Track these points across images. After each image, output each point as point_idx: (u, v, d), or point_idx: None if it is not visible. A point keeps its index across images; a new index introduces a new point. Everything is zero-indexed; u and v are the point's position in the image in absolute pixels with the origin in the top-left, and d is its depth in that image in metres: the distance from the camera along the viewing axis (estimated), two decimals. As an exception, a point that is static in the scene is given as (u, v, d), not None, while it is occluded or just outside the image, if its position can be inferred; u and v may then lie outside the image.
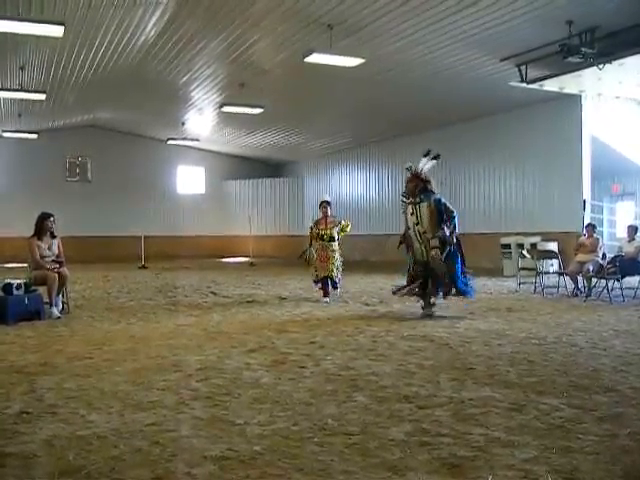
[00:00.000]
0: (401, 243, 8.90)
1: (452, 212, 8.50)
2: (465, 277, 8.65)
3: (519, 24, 10.85)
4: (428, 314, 8.61)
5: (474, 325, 7.83)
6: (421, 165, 8.67)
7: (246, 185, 28.87)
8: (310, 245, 10.82)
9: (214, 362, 5.82)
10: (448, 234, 8.37)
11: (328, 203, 10.90)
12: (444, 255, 8.38)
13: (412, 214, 8.57)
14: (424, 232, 8.46)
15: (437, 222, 8.39)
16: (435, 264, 8.40)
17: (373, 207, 23.53)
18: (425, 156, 8.73)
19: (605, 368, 5.45)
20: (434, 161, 8.69)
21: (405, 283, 8.89)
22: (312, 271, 10.83)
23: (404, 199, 8.82)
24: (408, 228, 8.70)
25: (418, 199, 8.53)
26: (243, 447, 3.54)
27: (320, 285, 10.70)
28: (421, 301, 8.84)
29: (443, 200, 8.60)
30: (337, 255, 10.65)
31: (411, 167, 8.70)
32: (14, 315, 8.31)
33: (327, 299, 10.45)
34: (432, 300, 8.74)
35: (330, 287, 10.64)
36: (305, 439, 3.68)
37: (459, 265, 8.52)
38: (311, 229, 10.89)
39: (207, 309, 9.80)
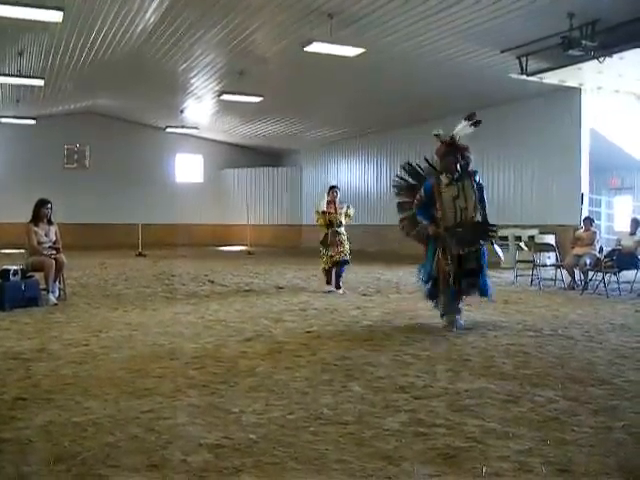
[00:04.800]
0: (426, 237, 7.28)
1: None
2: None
3: (520, 16, 10.80)
4: (451, 322, 7.05)
5: (470, 317, 7.82)
6: (457, 130, 7.05)
7: (244, 174, 28.81)
8: (329, 229, 10.47)
9: (210, 350, 5.83)
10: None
11: (338, 189, 10.88)
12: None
13: (453, 193, 6.95)
14: (465, 208, 6.93)
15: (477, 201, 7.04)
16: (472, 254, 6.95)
17: (372, 197, 23.51)
18: (466, 119, 7.06)
19: (600, 361, 5.46)
20: (472, 128, 7.06)
21: (442, 294, 7.16)
22: (325, 259, 10.56)
23: (438, 180, 7.06)
24: (444, 212, 6.98)
25: (457, 175, 6.96)
26: (239, 435, 3.55)
27: (328, 275, 10.64)
28: (442, 306, 7.21)
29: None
30: (346, 239, 10.57)
31: (441, 134, 7.08)
32: (10, 301, 8.31)
33: (332, 287, 10.47)
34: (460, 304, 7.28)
35: (337, 276, 10.57)
36: (300, 428, 3.68)
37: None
38: (324, 214, 10.49)
39: (204, 297, 9.80)
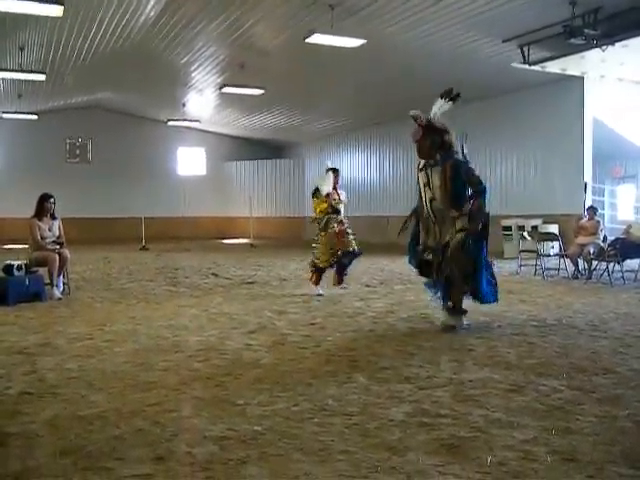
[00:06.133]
0: (406, 223, 6.83)
1: (480, 184, 6.36)
2: (489, 271, 6.56)
3: (522, 5, 10.72)
4: (450, 325, 6.45)
5: (474, 307, 7.81)
6: (434, 110, 6.42)
7: (247, 166, 28.79)
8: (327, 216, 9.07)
9: (215, 343, 5.84)
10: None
11: (338, 171, 9.46)
12: (469, 243, 6.19)
13: (423, 181, 6.45)
14: (432, 199, 6.36)
15: (452, 194, 6.26)
16: (455, 255, 6.21)
17: (374, 189, 23.47)
18: (442, 97, 6.45)
19: (605, 350, 5.46)
20: (451, 103, 6.43)
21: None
22: (319, 255, 9.06)
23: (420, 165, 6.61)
24: (421, 199, 6.59)
25: (432, 161, 6.37)
26: (244, 427, 3.56)
27: (318, 273, 9.14)
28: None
29: (470, 165, 6.43)
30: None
31: (418, 115, 6.35)
32: (15, 296, 8.33)
33: (321, 290, 9.07)
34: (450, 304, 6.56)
35: (342, 269, 9.27)
36: (305, 419, 3.69)
37: (484, 257, 6.38)
38: (327, 197, 9.06)
39: (208, 290, 9.81)
